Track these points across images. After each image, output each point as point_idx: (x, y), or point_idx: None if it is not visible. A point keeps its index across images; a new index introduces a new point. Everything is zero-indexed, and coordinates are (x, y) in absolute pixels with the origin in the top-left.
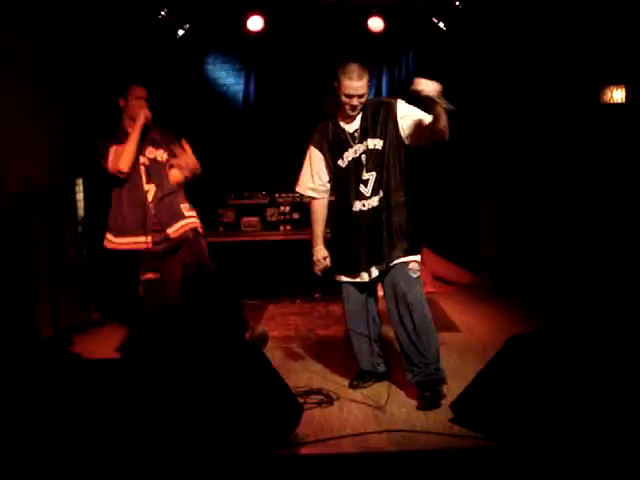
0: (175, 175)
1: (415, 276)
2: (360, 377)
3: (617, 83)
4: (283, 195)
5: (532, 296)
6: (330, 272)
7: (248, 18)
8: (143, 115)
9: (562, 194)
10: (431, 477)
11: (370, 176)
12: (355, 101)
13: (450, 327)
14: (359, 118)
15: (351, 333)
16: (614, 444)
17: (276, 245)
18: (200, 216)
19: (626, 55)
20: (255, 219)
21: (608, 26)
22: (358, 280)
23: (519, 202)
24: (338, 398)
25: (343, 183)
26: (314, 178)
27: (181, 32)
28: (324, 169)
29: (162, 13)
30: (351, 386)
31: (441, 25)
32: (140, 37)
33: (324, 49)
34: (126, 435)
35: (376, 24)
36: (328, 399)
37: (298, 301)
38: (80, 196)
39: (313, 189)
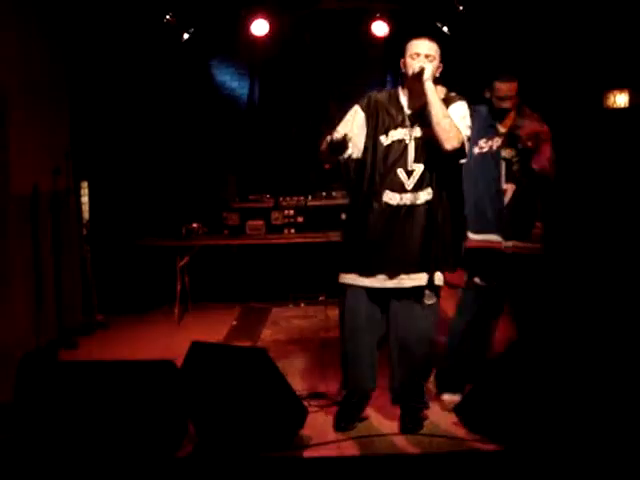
0: None
1: (430, 303)
2: (347, 416)
3: (620, 87)
4: (287, 199)
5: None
6: (338, 270)
7: (253, 22)
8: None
9: (564, 198)
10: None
11: (416, 167)
12: (421, 60)
13: None
14: (424, 102)
15: (348, 355)
16: (617, 446)
17: (280, 248)
18: (205, 219)
19: (629, 59)
20: (260, 222)
21: (611, 31)
22: (378, 285)
23: None
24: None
25: (378, 165)
26: (354, 131)
27: (186, 36)
28: (362, 133)
29: (167, 17)
30: (339, 429)
31: (445, 29)
32: (145, 40)
33: (328, 53)
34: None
35: (380, 28)
36: (331, 402)
37: (302, 304)
38: (85, 199)
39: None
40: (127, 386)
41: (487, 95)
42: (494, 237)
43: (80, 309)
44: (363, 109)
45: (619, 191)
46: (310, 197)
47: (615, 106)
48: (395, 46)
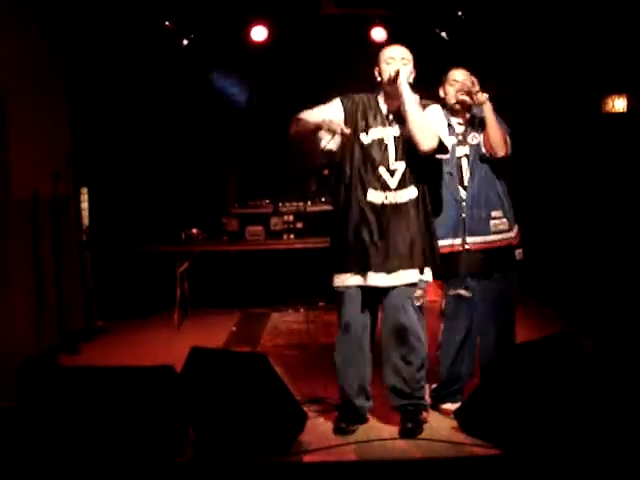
0: None
1: (418, 304)
2: (347, 418)
3: (619, 92)
4: (287, 204)
5: (537, 303)
6: (329, 272)
7: (252, 29)
8: None
9: (563, 203)
10: None
11: (398, 166)
12: (397, 64)
13: None
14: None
15: (340, 361)
16: (617, 450)
17: (280, 254)
18: (205, 225)
19: (627, 64)
20: (259, 228)
21: (609, 36)
22: (371, 284)
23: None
24: None
25: (360, 164)
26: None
27: (185, 42)
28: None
29: (167, 23)
30: (339, 430)
31: (443, 35)
32: (145, 46)
33: (327, 59)
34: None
35: (379, 34)
36: (331, 407)
37: (302, 310)
38: (85, 205)
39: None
40: (127, 391)
41: (442, 94)
42: (457, 240)
43: (81, 314)
44: (343, 104)
45: (618, 195)
46: (309, 203)
47: (613, 111)
48: None
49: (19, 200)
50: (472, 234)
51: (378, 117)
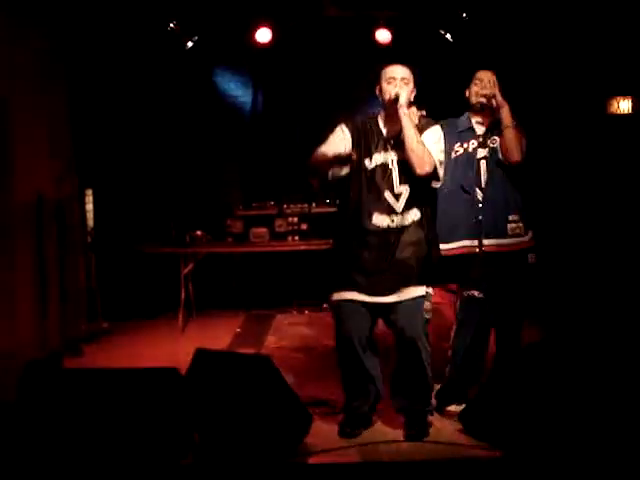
0: None
1: (428, 317)
2: (352, 421)
3: (624, 94)
4: (291, 206)
5: (539, 306)
6: (328, 288)
7: (256, 30)
8: None
9: (567, 205)
10: None
11: (403, 189)
12: (398, 84)
13: None
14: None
15: (342, 368)
16: (617, 452)
17: (284, 256)
18: (209, 227)
19: (633, 66)
20: (264, 230)
21: (615, 37)
22: (369, 300)
23: None
24: None
25: (365, 189)
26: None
27: (190, 44)
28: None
29: (171, 25)
30: (344, 434)
31: (448, 37)
32: (149, 48)
33: (331, 61)
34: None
35: (383, 36)
36: (336, 409)
37: (306, 311)
38: (90, 207)
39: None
40: (131, 393)
41: (467, 93)
42: (474, 242)
43: (85, 316)
44: (349, 129)
45: (622, 197)
46: (314, 204)
47: (618, 112)
48: (397, 54)
49: (23, 201)
50: (488, 236)
51: (380, 142)
